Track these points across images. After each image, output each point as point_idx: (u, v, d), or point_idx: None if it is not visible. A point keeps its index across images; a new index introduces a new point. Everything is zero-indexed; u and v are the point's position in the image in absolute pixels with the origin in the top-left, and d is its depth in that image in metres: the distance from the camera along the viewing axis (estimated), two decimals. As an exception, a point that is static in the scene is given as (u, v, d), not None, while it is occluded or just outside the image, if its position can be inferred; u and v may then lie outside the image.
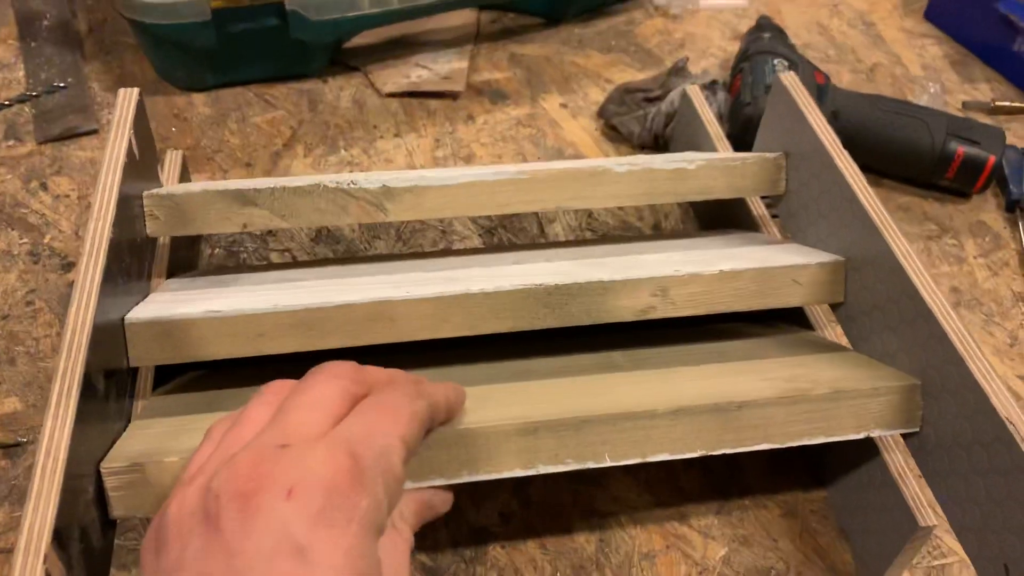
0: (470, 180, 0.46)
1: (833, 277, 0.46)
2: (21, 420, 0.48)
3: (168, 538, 0.26)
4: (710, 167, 0.50)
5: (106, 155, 0.43)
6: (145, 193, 0.45)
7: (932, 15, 0.85)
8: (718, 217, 0.61)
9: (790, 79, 0.52)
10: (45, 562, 0.28)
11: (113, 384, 0.38)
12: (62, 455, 0.31)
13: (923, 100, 0.73)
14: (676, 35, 0.81)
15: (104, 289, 0.37)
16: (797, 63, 0.67)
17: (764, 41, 0.70)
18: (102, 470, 0.34)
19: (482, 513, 0.46)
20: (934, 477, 0.40)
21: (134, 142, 0.44)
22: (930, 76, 0.78)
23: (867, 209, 0.44)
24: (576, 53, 0.78)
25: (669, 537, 0.46)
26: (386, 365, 0.34)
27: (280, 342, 0.40)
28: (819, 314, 0.50)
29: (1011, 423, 0.35)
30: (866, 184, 0.46)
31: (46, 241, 0.58)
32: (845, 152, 0.47)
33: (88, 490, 0.33)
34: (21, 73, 0.70)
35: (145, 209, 0.45)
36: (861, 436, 0.39)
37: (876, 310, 0.44)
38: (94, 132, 0.66)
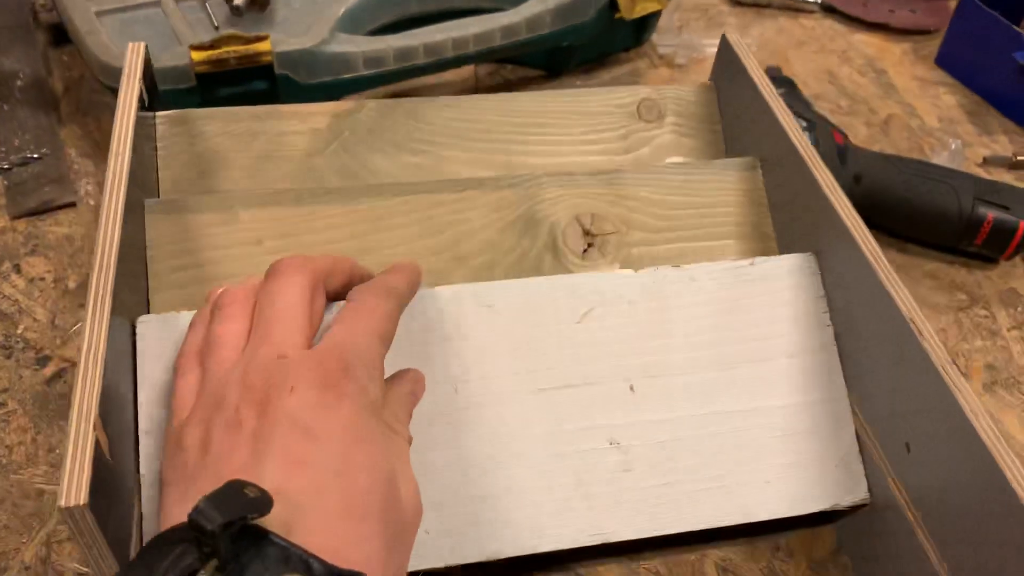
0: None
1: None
2: (-8, 544, 0.44)
3: (186, 445, 0.32)
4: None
5: (120, 101, 0.47)
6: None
7: (943, 62, 0.82)
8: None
9: (735, 39, 0.56)
10: (95, 429, 0.32)
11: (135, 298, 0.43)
12: (102, 348, 0.35)
13: (943, 157, 0.70)
14: (682, 86, 0.77)
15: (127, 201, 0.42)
16: (815, 123, 0.63)
17: (778, 98, 0.67)
18: (137, 321, 0.41)
19: (502, 644, 0.42)
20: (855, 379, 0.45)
21: (144, 92, 0.49)
22: (946, 128, 0.75)
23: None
24: (579, 108, 0.74)
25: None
26: None
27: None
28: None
29: (913, 323, 0.40)
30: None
31: (19, 332, 0.54)
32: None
33: (121, 381, 0.38)
34: (-8, 139, 0.66)
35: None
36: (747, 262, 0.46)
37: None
38: (71, 205, 0.61)
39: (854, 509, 0.45)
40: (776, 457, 0.44)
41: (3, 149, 0.65)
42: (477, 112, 0.56)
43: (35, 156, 0.62)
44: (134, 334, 0.41)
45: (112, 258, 0.39)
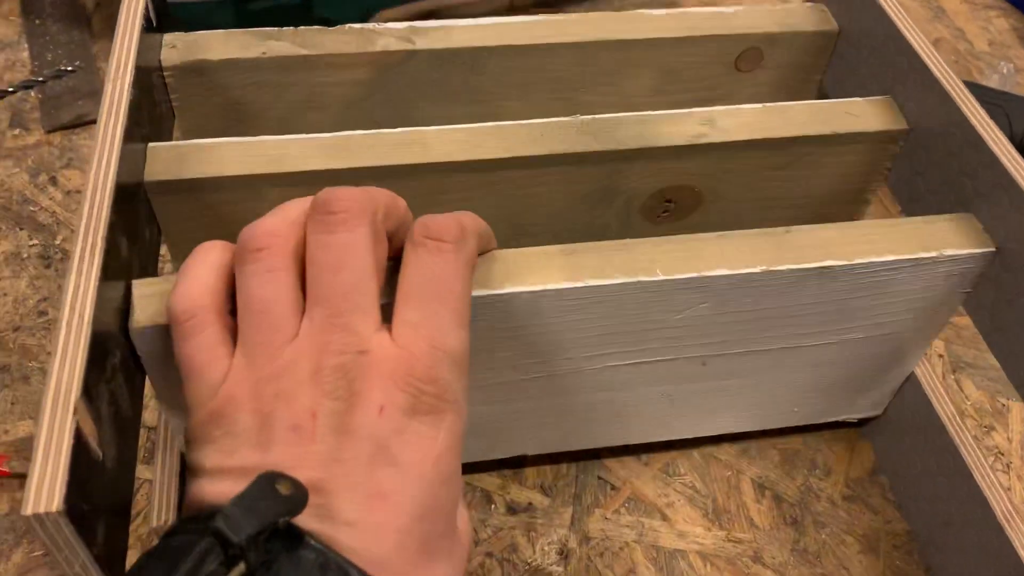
0: (502, 22, 0.46)
1: (886, 110, 0.43)
2: (37, 446, 0.45)
3: (238, 431, 0.26)
4: (752, 10, 0.48)
5: (120, 16, 0.40)
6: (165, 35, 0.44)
7: (996, -16, 0.79)
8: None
9: None
10: (75, 414, 0.25)
11: (136, 246, 0.35)
12: (88, 312, 0.28)
13: (993, 80, 0.68)
14: (729, 3, 0.75)
15: (124, 148, 0.35)
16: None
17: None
18: (134, 283, 0.32)
19: (539, 551, 0.42)
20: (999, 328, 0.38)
21: (151, 6, 0.42)
22: (997, 53, 0.73)
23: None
24: (617, 28, 0.72)
25: (741, 577, 0.42)
26: None
27: (304, 161, 0.38)
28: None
29: None
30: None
31: (58, 243, 0.54)
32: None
33: (116, 353, 0.30)
34: (25, 53, 0.66)
35: (164, 41, 0.44)
36: (932, 255, 0.36)
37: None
38: (105, 119, 0.61)
39: (888, 424, 0.45)
40: (810, 391, 0.44)
41: (36, 63, 0.65)
42: (549, 64, 0.47)
43: (69, 69, 0.62)
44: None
45: (105, 206, 0.32)
